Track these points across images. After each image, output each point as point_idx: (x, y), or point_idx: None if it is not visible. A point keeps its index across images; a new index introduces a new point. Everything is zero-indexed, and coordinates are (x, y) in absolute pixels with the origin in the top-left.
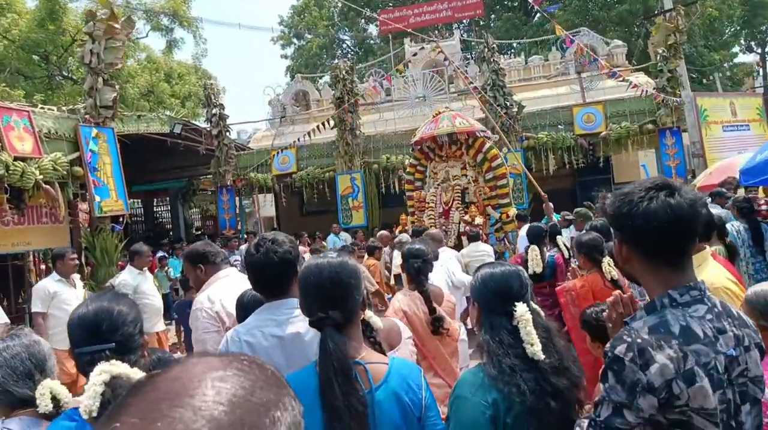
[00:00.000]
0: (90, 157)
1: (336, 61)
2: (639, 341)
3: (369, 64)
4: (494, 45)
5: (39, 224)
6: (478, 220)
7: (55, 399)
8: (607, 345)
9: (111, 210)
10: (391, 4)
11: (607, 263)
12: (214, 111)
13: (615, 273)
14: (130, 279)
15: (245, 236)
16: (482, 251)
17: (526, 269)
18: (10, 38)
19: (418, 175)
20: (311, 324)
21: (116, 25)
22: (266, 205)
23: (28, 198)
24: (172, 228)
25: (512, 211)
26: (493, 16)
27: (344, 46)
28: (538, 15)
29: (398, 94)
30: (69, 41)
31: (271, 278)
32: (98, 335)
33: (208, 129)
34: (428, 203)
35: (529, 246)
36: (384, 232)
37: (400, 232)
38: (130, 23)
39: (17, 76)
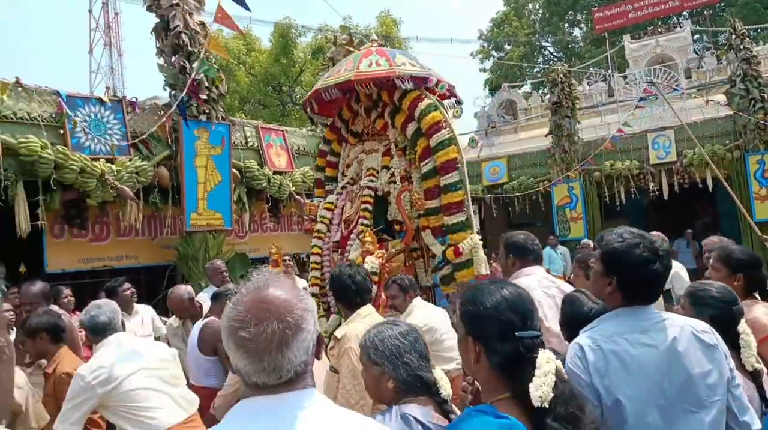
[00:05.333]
0: None
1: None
2: None
3: (583, 66)
4: (743, 30)
5: (289, 232)
6: (371, 262)
7: None
8: None
9: None
10: (596, 5)
11: None
12: None
13: None
14: None
15: None
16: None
17: None
18: (254, 74)
19: (330, 171)
20: None
21: (352, 49)
22: None
23: (282, 208)
24: None
25: (468, 240)
26: (722, 3)
27: (546, 53)
28: None
29: (621, 95)
30: (297, 72)
31: (649, 281)
32: (532, 319)
33: None
34: (316, 227)
35: None
36: None
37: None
38: (362, 46)
39: (258, 106)
